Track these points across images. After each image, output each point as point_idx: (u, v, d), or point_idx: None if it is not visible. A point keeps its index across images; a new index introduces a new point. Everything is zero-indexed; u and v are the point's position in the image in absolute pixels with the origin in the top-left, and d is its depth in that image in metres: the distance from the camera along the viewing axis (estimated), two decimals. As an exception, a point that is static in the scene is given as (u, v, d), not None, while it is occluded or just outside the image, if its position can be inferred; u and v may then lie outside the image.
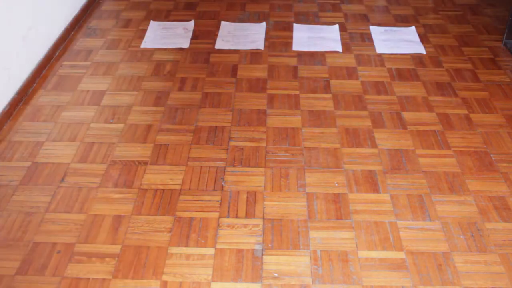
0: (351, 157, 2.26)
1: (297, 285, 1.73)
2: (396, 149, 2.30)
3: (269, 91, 2.69)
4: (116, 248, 1.85)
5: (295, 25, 3.32)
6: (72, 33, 3.21)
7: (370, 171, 2.19)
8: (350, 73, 2.84)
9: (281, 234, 1.91)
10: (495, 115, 2.52)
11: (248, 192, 2.08)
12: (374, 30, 3.26)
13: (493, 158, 2.26)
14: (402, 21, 3.39)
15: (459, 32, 3.26)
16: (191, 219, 1.97)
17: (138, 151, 2.29)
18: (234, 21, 3.38)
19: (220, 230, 1.92)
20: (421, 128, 2.43)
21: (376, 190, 2.10)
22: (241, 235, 1.91)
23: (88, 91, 2.68)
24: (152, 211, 2.00)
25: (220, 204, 2.03)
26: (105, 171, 2.18)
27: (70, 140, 2.35)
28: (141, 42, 3.13)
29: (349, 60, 2.95)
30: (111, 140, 2.35)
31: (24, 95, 2.62)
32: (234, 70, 2.86)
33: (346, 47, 3.08)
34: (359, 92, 2.68)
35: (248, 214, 1.99)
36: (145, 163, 2.23)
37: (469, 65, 2.91)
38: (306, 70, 2.87)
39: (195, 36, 3.19)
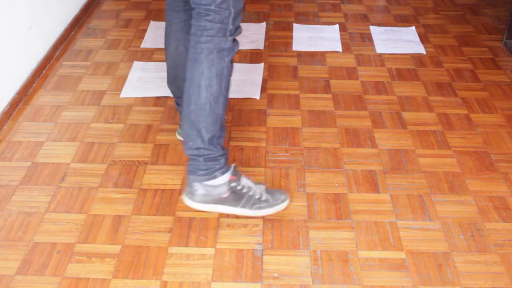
0: (351, 157, 2.26)
1: (297, 285, 1.73)
2: (396, 149, 2.30)
3: (269, 91, 2.69)
4: (116, 248, 1.85)
5: (295, 25, 3.32)
6: (72, 33, 3.21)
7: (370, 171, 2.19)
8: (350, 73, 2.84)
9: (281, 234, 1.91)
10: (495, 115, 2.52)
11: (248, 192, 2.08)
12: (374, 30, 3.26)
13: (493, 158, 2.26)
14: (402, 21, 3.39)
15: (459, 32, 3.26)
16: (191, 219, 1.97)
17: (138, 151, 2.30)
18: (234, 21, 3.38)
19: (220, 230, 1.92)
20: (421, 128, 2.43)
21: (376, 190, 2.10)
22: (241, 235, 1.91)
23: (88, 91, 2.69)
24: (152, 211, 2.00)
25: (220, 204, 2.03)
26: (105, 171, 2.18)
27: (70, 140, 2.35)
28: (141, 42, 3.13)
29: (349, 60, 2.95)
30: (111, 140, 2.35)
31: (24, 95, 2.62)
32: (234, 70, 2.86)
33: (346, 47, 3.09)
34: (359, 92, 2.68)
35: (248, 214, 1.99)
36: (145, 163, 2.23)
37: (469, 65, 2.91)
38: (306, 70, 2.87)
39: (195, 36, 3.19)
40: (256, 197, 1.89)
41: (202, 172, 1.84)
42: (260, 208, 1.90)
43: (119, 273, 1.77)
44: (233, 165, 1.91)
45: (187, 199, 1.89)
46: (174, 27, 2.05)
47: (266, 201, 1.90)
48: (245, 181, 1.89)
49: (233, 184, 1.86)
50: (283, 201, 1.94)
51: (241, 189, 1.87)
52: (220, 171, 1.85)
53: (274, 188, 2.00)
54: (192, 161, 1.85)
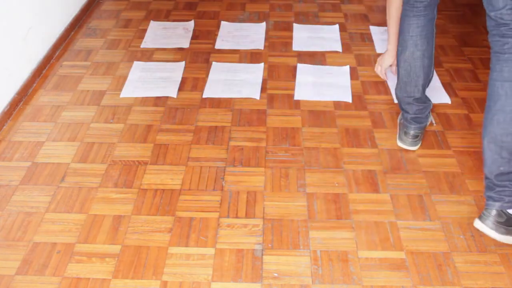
0: (351, 157, 2.26)
1: (297, 285, 1.73)
2: (396, 149, 2.30)
3: (269, 91, 2.69)
4: (116, 248, 1.85)
5: (295, 25, 3.32)
6: (72, 33, 3.21)
7: (370, 171, 2.19)
8: (350, 73, 2.84)
9: (281, 234, 1.91)
10: (495, 115, 2.52)
11: (248, 192, 2.08)
12: (374, 30, 3.26)
13: (493, 158, 2.26)
14: (402, 21, 3.39)
15: (459, 32, 3.26)
16: (191, 219, 1.97)
17: (138, 151, 2.30)
18: (234, 21, 3.38)
19: (220, 230, 1.92)
20: (421, 128, 2.43)
21: (376, 190, 2.10)
22: (241, 235, 1.91)
23: (88, 91, 2.69)
24: (152, 211, 2.00)
25: (220, 204, 2.03)
26: (105, 171, 2.18)
27: (70, 140, 2.35)
28: (141, 42, 3.13)
29: (349, 60, 2.95)
30: (111, 140, 2.35)
31: (24, 95, 2.62)
32: (234, 70, 2.86)
33: (346, 47, 3.08)
34: (359, 92, 2.68)
35: (248, 214, 1.99)
36: (145, 163, 2.23)
37: (469, 65, 2.91)
38: (306, 70, 2.87)
39: (195, 36, 3.20)
40: None
41: (510, 198, 1.80)
42: None
43: (119, 273, 1.77)
44: None
45: (485, 227, 1.85)
46: (412, 32, 2.09)
47: None
48: None
49: None
50: None
51: None
52: None
53: None
54: (500, 187, 1.80)
